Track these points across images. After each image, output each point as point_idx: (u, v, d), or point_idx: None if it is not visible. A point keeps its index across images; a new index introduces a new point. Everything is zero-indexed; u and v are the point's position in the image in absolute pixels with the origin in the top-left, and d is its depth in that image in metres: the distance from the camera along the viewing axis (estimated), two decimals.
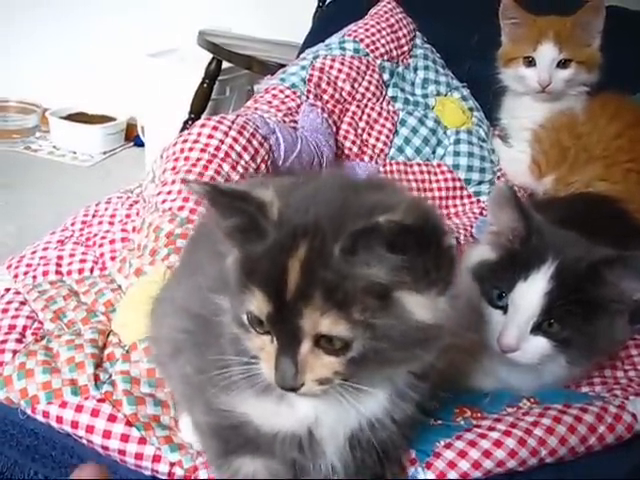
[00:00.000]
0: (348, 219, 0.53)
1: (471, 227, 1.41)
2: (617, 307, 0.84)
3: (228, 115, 1.18)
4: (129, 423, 0.78)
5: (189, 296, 0.72)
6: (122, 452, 0.76)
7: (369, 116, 1.51)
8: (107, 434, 0.77)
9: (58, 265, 1.07)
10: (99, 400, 0.80)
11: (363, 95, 1.51)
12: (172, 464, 0.76)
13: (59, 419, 0.79)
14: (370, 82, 1.53)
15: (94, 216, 1.20)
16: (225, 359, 0.62)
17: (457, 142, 1.56)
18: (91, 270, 1.08)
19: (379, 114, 1.52)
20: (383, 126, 1.52)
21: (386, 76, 1.56)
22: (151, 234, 1.02)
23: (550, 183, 1.48)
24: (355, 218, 0.53)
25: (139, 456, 0.76)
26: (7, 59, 2.86)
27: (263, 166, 1.15)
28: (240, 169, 1.11)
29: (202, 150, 1.10)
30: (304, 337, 0.55)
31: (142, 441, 0.77)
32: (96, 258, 1.10)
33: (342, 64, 1.49)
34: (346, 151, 1.46)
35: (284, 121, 1.31)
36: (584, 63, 1.41)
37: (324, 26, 1.86)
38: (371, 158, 1.48)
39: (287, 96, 1.40)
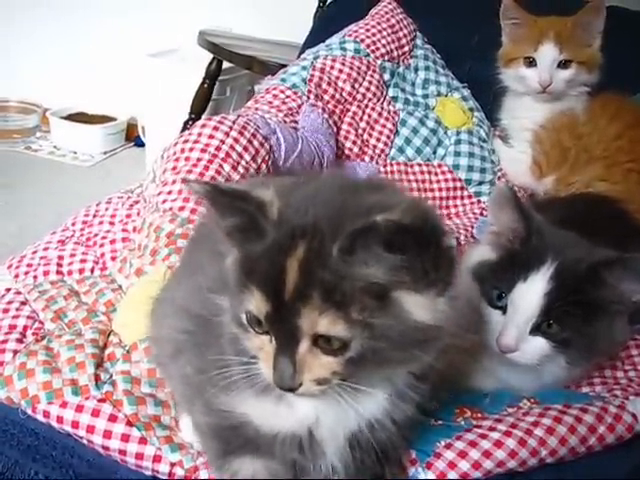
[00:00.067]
0: (347, 219, 0.53)
1: (472, 227, 1.41)
2: (617, 308, 0.84)
3: (229, 115, 1.18)
4: (130, 423, 0.78)
5: (189, 296, 0.72)
6: (123, 452, 0.76)
7: (370, 116, 1.51)
8: (108, 434, 0.77)
9: (59, 265, 1.07)
10: (100, 400, 0.80)
11: (364, 95, 1.51)
12: (173, 464, 0.76)
13: (60, 419, 0.79)
14: (371, 82, 1.53)
15: (95, 216, 1.20)
16: (225, 359, 0.62)
17: (458, 142, 1.56)
18: (92, 270, 1.08)
19: (380, 114, 1.52)
20: (384, 126, 1.52)
21: (387, 76, 1.56)
22: (152, 234, 1.02)
23: (551, 183, 1.48)
24: (354, 218, 0.53)
25: (140, 456, 0.76)
26: (7, 59, 2.86)
27: (264, 166, 1.15)
28: (241, 169, 1.11)
29: (203, 150, 1.10)
30: (302, 337, 0.55)
31: (143, 441, 0.77)
32: (97, 258, 1.10)
33: (343, 64, 1.49)
34: (347, 151, 1.46)
35: (285, 121, 1.31)
36: (585, 63, 1.41)
37: (325, 26, 1.86)
38: (372, 158, 1.48)
39: (288, 96, 1.40)
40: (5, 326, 0.92)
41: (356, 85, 1.50)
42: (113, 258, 1.09)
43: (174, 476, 0.76)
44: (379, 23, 1.60)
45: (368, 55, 1.54)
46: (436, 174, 1.53)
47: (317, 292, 0.53)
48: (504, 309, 0.85)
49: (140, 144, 2.78)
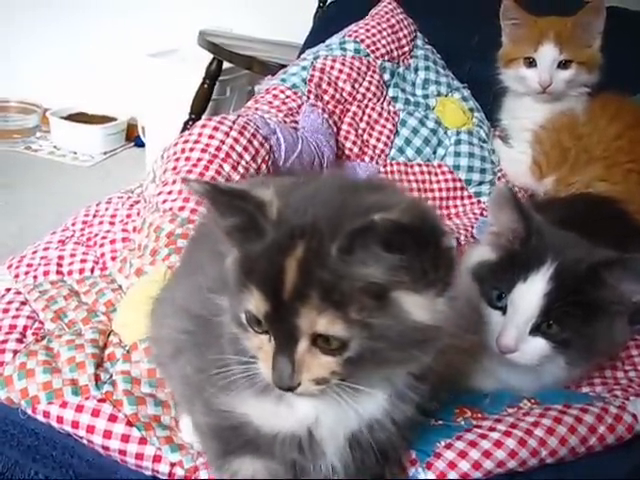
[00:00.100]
0: (346, 219, 0.53)
1: (472, 228, 1.41)
2: (616, 309, 0.84)
3: (229, 115, 1.19)
4: (130, 423, 0.78)
5: (189, 296, 0.72)
6: (123, 452, 0.76)
7: (370, 116, 1.51)
8: (108, 434, 0.77)
9: (59, 265, 1.08)
10: (100, 400, 0.80)
11: (364, 95, 1.51)
12: (173, 464, 0.76)
13: (60, 419, 0.79)
14: (371, 82, 1.53)
15: (95, 216, 1.20)
16: (225, 359, 0.62)
17: (458, 143, 1.56)
18: (92, 270, 1.08)
19: (380, 115, 1.52)
20: (384, 127, 1.52)
21: (387, 76, 1.57)
22: (152, 234, 1.02)
23: (551, 184, 1.48)
24: (353, 218, 0.53)
25: (139, 456, 0.76)
26: (8, 59, 2.86)
27: (264, 166, 1.15)
28: (241, 169, 1.11)
29: (203, 150, 1.10)
30: (301, 336, 0.55)
31: (143, 441, 0.77)
32: (97, 258, 1.10)
33: (343, 64, 1.49)
34: (347, 151, 1.46)
35: (285, 121, 1.31)
36: (585, 64, 1.41)
37: (325, 26, 1.86)
38: (372, 158, 1.48)
39: (288, 96, 1.40)
40: (5, 326, 0.92)
41: (356, 85, 1.50)
42: (113, 258, 1.09)
43: (174, 476, 0.76)
44: (379, 23, 1.60)
45: (368, 55, 1.54)
46: (436, 174, 1.53)
47: (316, 292, 0.53)
48: (504, 309, 0.85)
49: (140, 144, 2.78)
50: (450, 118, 1.59)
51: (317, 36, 1.78)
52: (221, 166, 1.09)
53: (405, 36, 1.62)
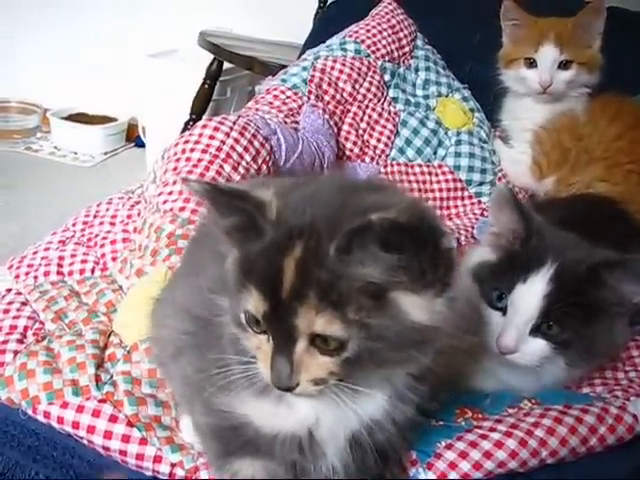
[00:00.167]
0: (344, 219, 0.53)
1: (472, 228, 1.41)
2: (617, 310, 0.84)
3: (229, 116, 1.19)
4: (130, 424, 0.78)
5: (190, 297, 0.72)
6: (123, 453, 0.77)
7: (370, 117, 1.51)
8: (108, 435, 0.77)
9: (59, 265, 1.08)
10: (100, 401, 0.81)
11: (364, 96, 1.51)
12: (173, 465, 0.76)
13: (60, 419, 0.79)
14: (371, 83, 1.53)
15: (95, 216, 1.20)
16: (225, 359, 0.62)
17: (458, 143, 1.56)
18: (92, 270, 1.08)
19: (380, 115, 1.52)
20: (384, 127, 1.52)
21: (387, 77, 1.57)
22: (152, 235, 1.02)
23: (551, 184, 1.48)
24: (351, 218, 0.53)
25: (140, 457, 0.76)
26: (8, 60, 2.86)
27: (264, 167, 1.15)
28: (241, 170, 1.11)
29: (203, 151, 1.10)
30: (299, 336, 0.55)
31: (143, 442, 0.77)
32: (97, 258, 1.10)
33: (343, 65, 1.50)
34: (347, 152, 1.46)
35: (285, 122, 1.31)
36: (585, 64, 1.41)
37: (325, 27, 1.86)
38: (372, 159, 1.49)
39: (288, 97, 1.40)
40: (6, 327, 0.92)
41: (356, 86, 1.50)
42: (114, 259, 1.09)
43: (174, 476, 0.76)
44: (379, 24, 1.60)
45: (369, 56, 1.54)
46: (436, 175, 1.53)
47: (314, 291, 0.53)
48: (504, 310, 0.85)
49: (140, 145, 2.78)
50: (450, 118, 1.59)
51: (317, 37, 1.78)
52: (222, 167, 1.09)
53: (405, 36, 1.62)
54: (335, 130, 1.43)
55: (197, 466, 0.76)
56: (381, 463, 0.69)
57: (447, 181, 1.53)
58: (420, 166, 1.52)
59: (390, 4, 1.66)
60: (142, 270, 0.98)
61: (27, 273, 1.06)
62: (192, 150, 1.10)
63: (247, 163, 1.12)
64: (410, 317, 0.55)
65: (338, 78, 1.48)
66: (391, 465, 0.72)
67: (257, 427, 0.65)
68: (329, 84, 1.46)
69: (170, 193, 1.06)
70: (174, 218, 1.02)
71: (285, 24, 2.32)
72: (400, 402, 0.64)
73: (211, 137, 1.11)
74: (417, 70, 1.63)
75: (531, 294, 0.83)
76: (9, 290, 1.02)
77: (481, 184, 1.54)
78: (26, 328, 0.92)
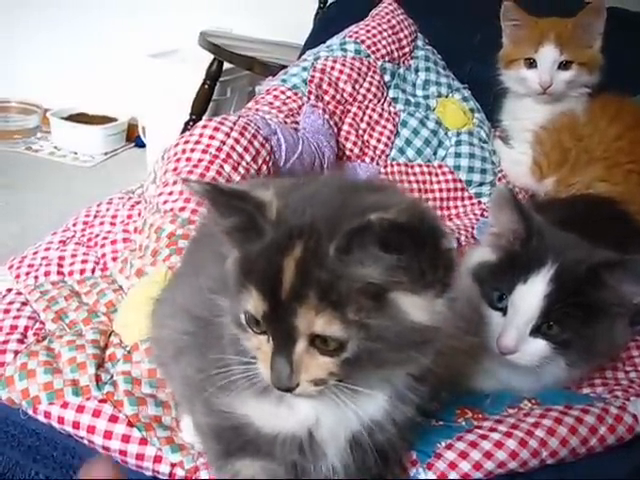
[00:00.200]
0: (344, 219, 0.53)
1: (472, 228, 1.42)
2: (617, 310, 0.84)
3: (230, 116, 1.19)
4: (130, 424, 0.78)
5: (190, 297, 0.72)
6: (123, 453, 0.77)
7: (370, 117, 1.51)
8: (108, 435, 0.77)
9: (60, 266, 1.08)
10: (100, 401, 0.81)
11: (364, 96, 1.51)
12: (173, 465, 0.76)
13: (60, 419, 0.79)
14: (371, 83, 1.53)
15: (95, 217, 1.20)
16: (225, 359, 0.62)
17: (458, 143, 1.56)
18: (92, 271, 1.08)
19: (380, 115, 1.52)
20: (384, 127, 1.52)
21: (387, 77, 1.57)
22: (152, 235, 1.02)
23: (551, 184, 1.48)
24: (351, 218, 0.52)
25: (140, 457, 0.76)
26: (8, 60, 2.86)
27: (264, 167, 1.15)
28: (241, 170, 1.11)
29: (204, 151, 1.10)
30: (299, 337, 0.55)
31: (143, 442, 0.77)
32: (97, 259, 1.10)
33: (343, 65, 1.50)
34: (347, 152, 1.46)
35: (285, 122, 1.31)
36: (585, 64, 1.41)
37: (325, 27, 1.86)
38: (372, 159, 1.49)
39: (288, 97, 1.40)
40: (6, 327, 0.92)
41: (357, 86, 1.50)
42: (114, 259, 1.09)
43: (175, 476, 0.76)
44: (380, 24, 1.60)
45: (369, 56, 1.54)
46: (437, 175, 1.53)
47: (313, 292, 0.53)
48: (504, 310, 0.85)
49: (141, 145, 2.78)
50: (451, 119, 1.59)
51: (317, 37, 1.78)
52: (222, 167, 1.09)
53: (406, 37, 1.62)
54: (335, 130, 1.43)
55: (197, 466, 0.76)
56: (381, 463, 0.69)
57: (447, 181, 1.53)
58: (420, 166, 1.52)
59: (390, 4, 1.66)
60: (142, 270, 0.98)
61: (27, 273, 1.06)
62: (192, 150, 1.10)
63: (247, 163, 1.12)
64: (410, 318, 0.55)
65: (338, 78, 1.48)
66: (391, 465, 0.72)
67: (257, 427, 0.64)
68: (329, 84, 1.46)
69: (170, 193, 1.06)
70: (174, 218, 1.02)
71: (285, 24, 2.32)
72: (400, 402, 0.64)
73: (211, 137, 1.11)
74: (417, 70, 1.63)
75: (531, 294, 0.83)
76: (9, 290, 1.02)
77: (481, 184, 1.54)
78: (26, 328, 0.92)
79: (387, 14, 1.63)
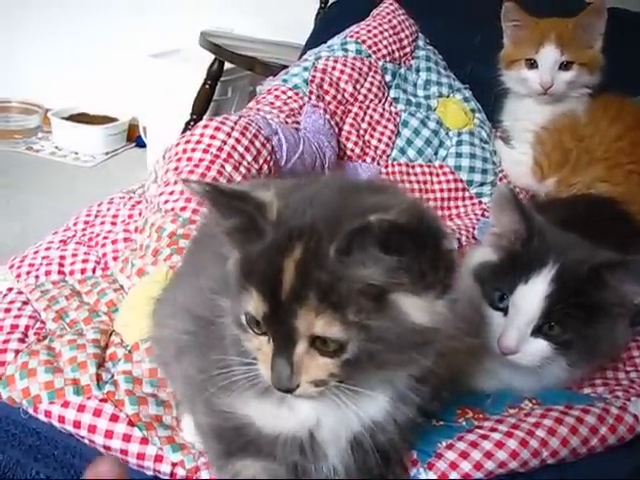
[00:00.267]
0: (345, 220, 0.53)
1: (473, 229, 1.41)
2: (618, 311, 0.84)
3: (231, 116, 1.19)
4: (131, 423, 0.78)
5: (191, 297, 0.72)
6: (124, 452, 0.76)
7: (371, 117, 1.51)
8: (109, 434, 0.77)
9: (60, 265, 1.08)
10: (101, 400, 0.81)
11: (365, 96, 1.51)
12: (174, 464, 0.76)
13: (61, 419, 0.79)
14: (372, 83, 1.53)
15: (96, 216, 1.20)
16: (227, 360, 0.62)
17: (459, 143, 1.56)
18: (93, 270, 1.08)
19: (381, 115, 1.52)
20: (385, 127, 1.52)
21: (388, 77, 1.57)
22: (153, 234, 1.02)
23: (552, 185, 1.48)
24: (351, 219, 0.52)
25: (141, 456, 0.76)
26: (9, 60, 2.86)
27: (265, 167, 1.15)
28: (242, 170, 1.11)
29: (204, 151, 1.10)
30: (299, 338, 0.55)
31: (144, 441, 0.77)
32: (98, 258, 1.10)
33: (344, 65, 1.50)
34: (348, 152, 1.46)
35: (286, 122, 1.31)
36: (586, 65, 1.41)
37: (326, 27, 1.86)
38: (373, 159, 1.49)
39: (289, 97, 1.40)
40: (7, 326, 0.92)
41: (358, 86, 1.50)
42: (115, 258, 1.09)
43: (175, 476, 0.76)
44: (381, 24, 1.60)
45: (370, 56, 1.54)
46: (437, 175, 1.53)
47: (313, 293, 0.53)
48: (505, 311, 0.85)
49: (141, 145, 2.78)
50: (451, 119, 1.59)
51: (318, 37, 1.79)
52: (223, 167, 1.09)
53: (407, 37, 1.62)
54: (336, 130, 1.43)
55: (198, 466, 0.76)
56: (382, 464, 0.68)
57: (448, 181, 1.53)
58: (421, 166, 1.52)
59: (391, 4, 1.66)
60: (143, 270, 0.98)
61: (28, 272, 1.06)
62: (193, 150, 1.10)
63: (248, 163, 1.12)
64: (410, 319, 0.54)
65: (339, 78, 1.48)
66: (392, 465, 0.71)
67: (258, 428, 0.64)
68: (330, 84, 1.46)
69: (171, 193, 1.06)
70: (175, 218, 1.02)
71: (286, 24, 2.32)
72: (401, 403, 0.64)
73: (212, 137, 1.11)
74: (418, 70, 1.63)
75: (532, 295, 0.83)
76: (10, 289, 1.02)
77: (482, 184, 1.54)
78: (27, 327, 0.92)
79: (388, 14, 1.63)
